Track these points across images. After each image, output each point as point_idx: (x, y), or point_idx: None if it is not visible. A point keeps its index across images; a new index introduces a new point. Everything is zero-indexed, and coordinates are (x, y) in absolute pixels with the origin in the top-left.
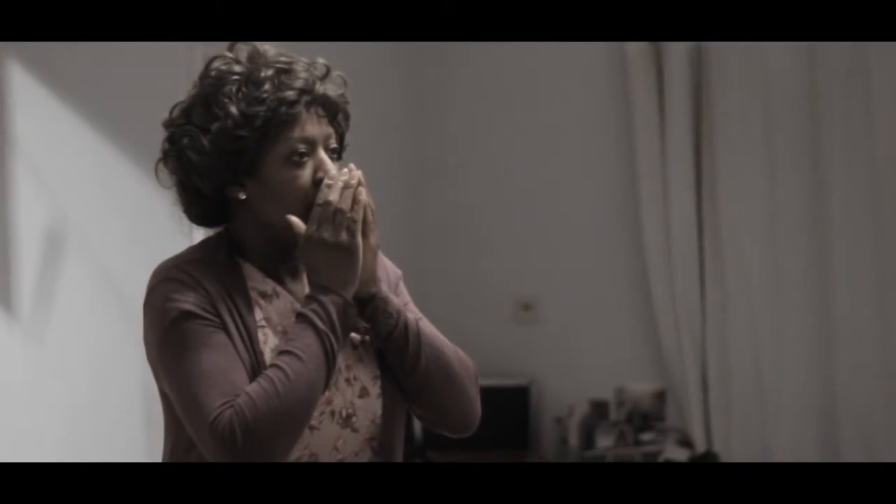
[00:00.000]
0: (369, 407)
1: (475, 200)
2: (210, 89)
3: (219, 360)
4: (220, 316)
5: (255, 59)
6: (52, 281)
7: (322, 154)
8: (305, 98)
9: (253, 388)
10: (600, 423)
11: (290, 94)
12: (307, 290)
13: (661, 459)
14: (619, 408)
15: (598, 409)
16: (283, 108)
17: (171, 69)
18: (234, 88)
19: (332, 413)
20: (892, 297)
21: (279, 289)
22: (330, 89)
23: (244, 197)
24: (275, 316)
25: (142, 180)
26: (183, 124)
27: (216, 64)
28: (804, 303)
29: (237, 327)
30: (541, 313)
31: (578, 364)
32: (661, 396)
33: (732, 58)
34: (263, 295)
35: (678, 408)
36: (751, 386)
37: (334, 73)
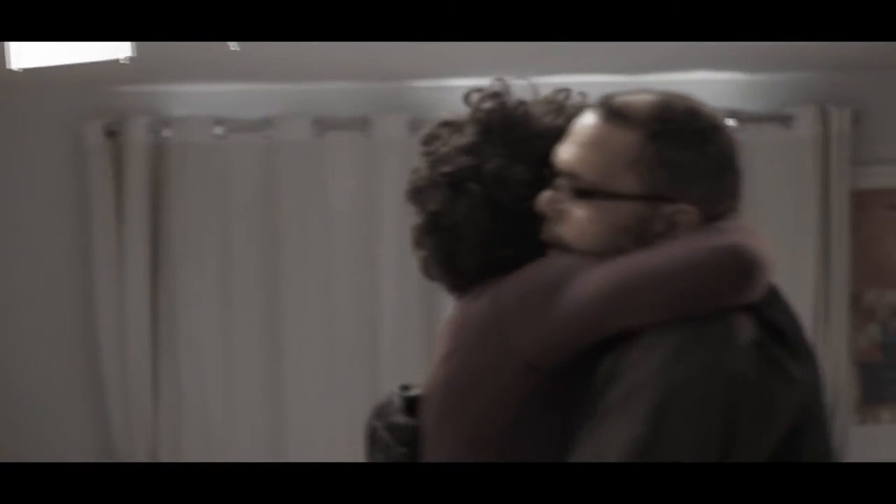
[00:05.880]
0: None
1: None
2: (497, 115)
3: None
4: None
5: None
6: None
7: None
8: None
9: None
10: None
11: (575, 111)
12: None
13: None
14: None
15: None
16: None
17: None
18: (523, 111)
19: None
20: (340, 395)
21: None
22: None
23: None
24: None
25: None
26: (474, 165)
27: (485, 105)
28: (259, 401)
29: None
30: None
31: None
32: None
33: (192, 155)
34: None
35: None
36: None
37: None
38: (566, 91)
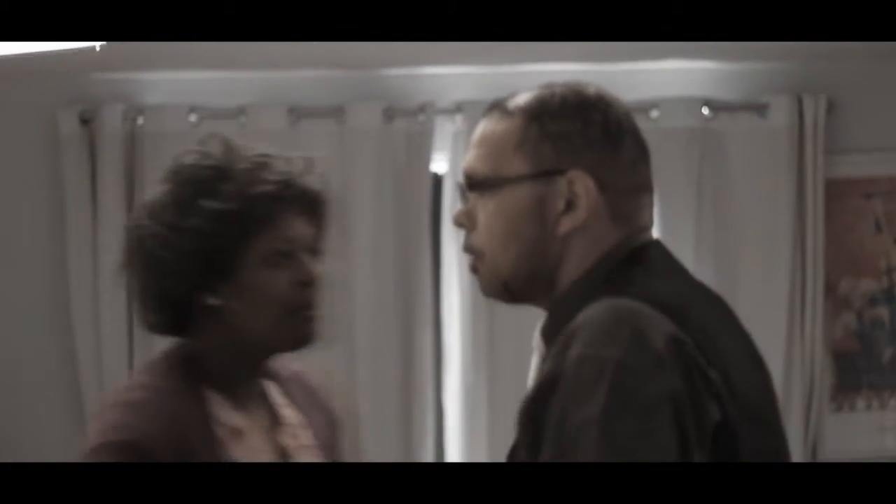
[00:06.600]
0: None
1: None
2: (181, 185)
3: None
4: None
5: (228, 154)
6: None
7: (303, 255)
8: (285, 193)
9: None
10: None
11: (270, 188)
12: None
13: None
14: None
15: None
16: (262, 204)
17: None
18: (207, 184)
19: None
20: None
21: (250, 423)
22: (311, 183)
23: (216, 303)
24: (245, 457)
25: None
26: (148, 224)
27: (187, 159)
28: None
29: None
30: None
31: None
32: None
33: (166, 143)
34: (236, 432)
35: None
36: None
37: (316, 169)
38: (270, 157)
